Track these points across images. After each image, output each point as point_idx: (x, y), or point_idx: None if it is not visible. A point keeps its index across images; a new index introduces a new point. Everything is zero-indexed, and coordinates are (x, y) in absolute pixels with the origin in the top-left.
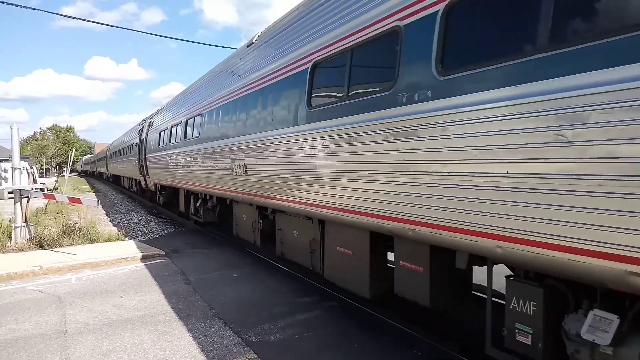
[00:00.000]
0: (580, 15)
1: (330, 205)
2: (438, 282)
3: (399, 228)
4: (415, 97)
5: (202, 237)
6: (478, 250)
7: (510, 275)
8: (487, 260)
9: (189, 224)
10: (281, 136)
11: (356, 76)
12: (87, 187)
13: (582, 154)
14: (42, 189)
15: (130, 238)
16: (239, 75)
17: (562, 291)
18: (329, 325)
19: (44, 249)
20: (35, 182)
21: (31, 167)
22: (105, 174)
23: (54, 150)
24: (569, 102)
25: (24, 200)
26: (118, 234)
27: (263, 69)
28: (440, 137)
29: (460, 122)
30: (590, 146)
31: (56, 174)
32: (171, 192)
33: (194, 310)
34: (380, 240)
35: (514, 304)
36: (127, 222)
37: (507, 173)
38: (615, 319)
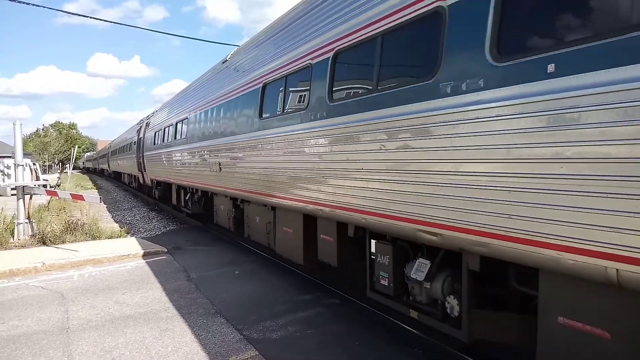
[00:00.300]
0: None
1: (278, 195)
2: (345, 250)
3: (317, 209)
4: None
5: (204, 234)
6: (356, 222)
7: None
8: (366, 230)
9: (191, 221)
10: (243, 139)
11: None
12: (89, 184)
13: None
14: (44, 186)
15: (133, 235)
16: (215, 87)
17: (405, 248)
18: (330, 323)
19: (47, 246)
20: (37, 178)
21: (34, 164)
22: (107, 170)
23: (56, 147)
24: None
25: (27, 197)
26: (120, 231)
27: (232, 83)
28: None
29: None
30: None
31: (59, 171)
32: (165, 188)
33: (196, 307)
34: (310, 221)
35: (378, 258)
36: (129, 219)
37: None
38: (427, 263)
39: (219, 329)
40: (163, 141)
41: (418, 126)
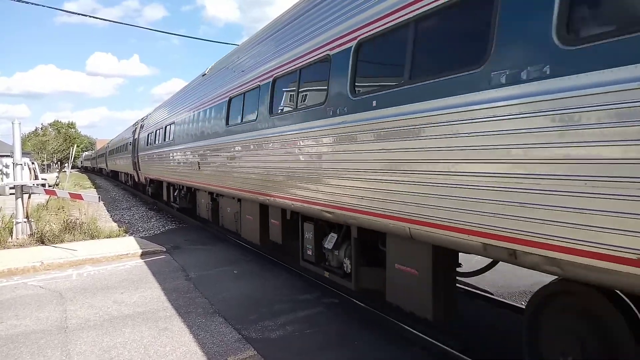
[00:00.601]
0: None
1: (243, 189)
2: (286, 230)
3: (269, 200)
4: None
5: (202, 233)
6: (290, 207)
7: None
8: (299, 214)
9: (191, 220)
10: (213, 143)
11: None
12: (88, 182)
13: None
14: (43, 185)
15: (131, 234)
16: (195, 96)
17: (323, 226)
18: (330, 322)
19: (45, 245)
20: (36, 177)
21: (32, 163)
22: (105, 169)
23: (55, 146)
24: None
25: (25, 196)
26: (119, 230)
27: (210, 94)
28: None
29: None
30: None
31: (57, 170)
32: (157, 185)
33: (195, 306)
34: (264, 210)
35: (306, 235)
36: (128, 218)
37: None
38: (335, 236)
39: (218, 329)
40: (155, 142)
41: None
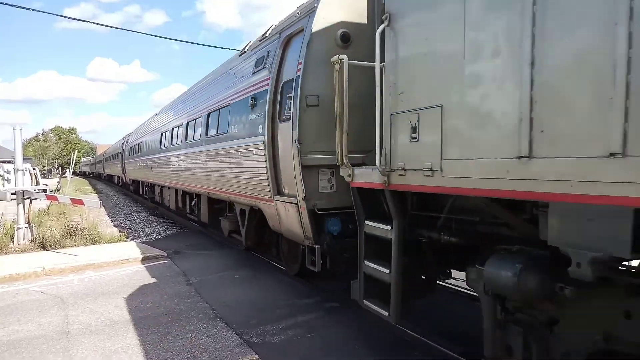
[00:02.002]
0: None
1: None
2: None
3: (186, 188)
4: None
5: (203, 238)
6: (190, 190)
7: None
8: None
9: (192, 225)
10: (163, 155)
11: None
12: (89, 188)
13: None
14: (44, 190)
15: (132, 239)
16: (150, 126)
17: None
18: (331, 327)
19: (47, 250)
20: (37, 183)
21: (34, 169)
22: (102, 173)
23: (56, 152)
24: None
25: (27, 202)
26: (120, 235)
27: (155, 127)
28: None
29: None
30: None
31: (58, 175)
32: (138, 184)
33: (196, 311)
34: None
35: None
36: (129, 223)
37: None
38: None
39: (219, 333)
40: (133, 154)
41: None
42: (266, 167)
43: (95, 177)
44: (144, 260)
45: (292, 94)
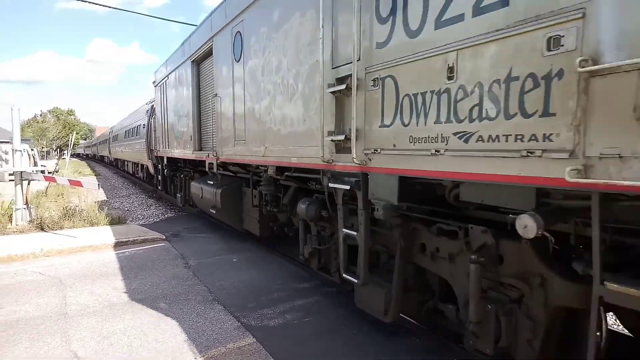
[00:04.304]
0: None
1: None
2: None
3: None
4: None
5: (202, 221)
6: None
7: None
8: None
9: (190, 208)
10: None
11: None
12: (87, 170)
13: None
14: (42, 172)
15: (131, 221)
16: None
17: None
18: (328, 311)
19: (45, 232)
20: (35, 164)
21: (32, 150)
22: (97, 155)
23: (54, 133)
24: None
25: (25, 183)
26: (119, 218)
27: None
28: None
29: None
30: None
31: (57, 157)
32: (119, 162)
33: (194, 294)
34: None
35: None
36: (127, 205)
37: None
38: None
39: (217, 316)
40: (115, 140)
41: None
42: None
43: (91, 159)
44: (143, 242)
45: None
